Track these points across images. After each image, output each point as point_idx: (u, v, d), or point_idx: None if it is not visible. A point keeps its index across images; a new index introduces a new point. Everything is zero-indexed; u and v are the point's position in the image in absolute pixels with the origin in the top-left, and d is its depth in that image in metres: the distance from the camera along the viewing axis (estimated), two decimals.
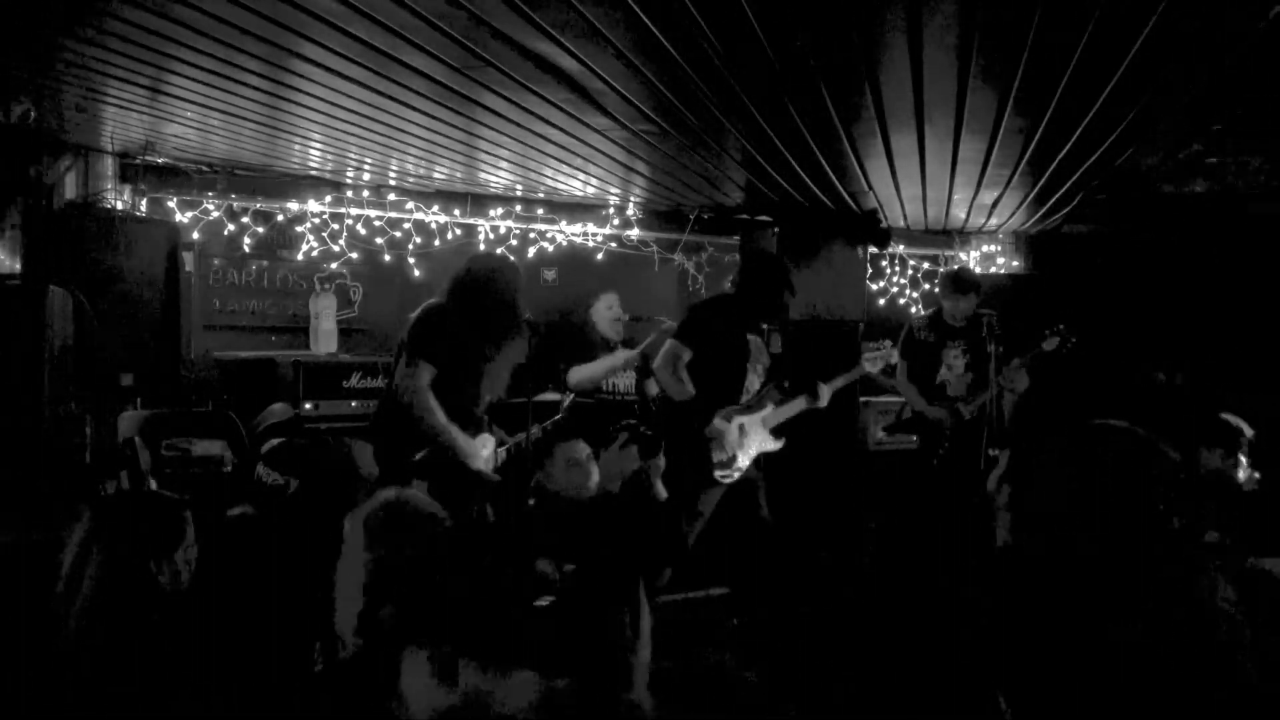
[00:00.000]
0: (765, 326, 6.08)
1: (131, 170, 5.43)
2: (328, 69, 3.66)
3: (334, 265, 6.43)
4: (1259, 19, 3.03)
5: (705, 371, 4.78)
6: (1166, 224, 7.23)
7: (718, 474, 4.80)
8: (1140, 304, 7.34)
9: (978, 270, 7.67)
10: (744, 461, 4.90)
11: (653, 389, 5.66)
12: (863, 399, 6.56)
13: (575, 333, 5.98)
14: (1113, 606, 0.97)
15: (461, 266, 4.40)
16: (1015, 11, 2.91)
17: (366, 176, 6.16)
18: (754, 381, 4.98)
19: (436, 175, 6.02)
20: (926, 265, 8.04)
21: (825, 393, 5.07)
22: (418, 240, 6.44)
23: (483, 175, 6.00)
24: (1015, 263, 7.85)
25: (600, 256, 7.04)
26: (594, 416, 5.73)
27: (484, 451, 4.27)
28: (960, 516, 5.96)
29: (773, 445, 5.01)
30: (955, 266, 7.35)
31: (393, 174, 6.06)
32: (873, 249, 6.79)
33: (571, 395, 5.14)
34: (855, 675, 4.68)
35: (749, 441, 4.90)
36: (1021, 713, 1.04)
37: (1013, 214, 6.89)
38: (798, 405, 5.02)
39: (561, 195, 6.60)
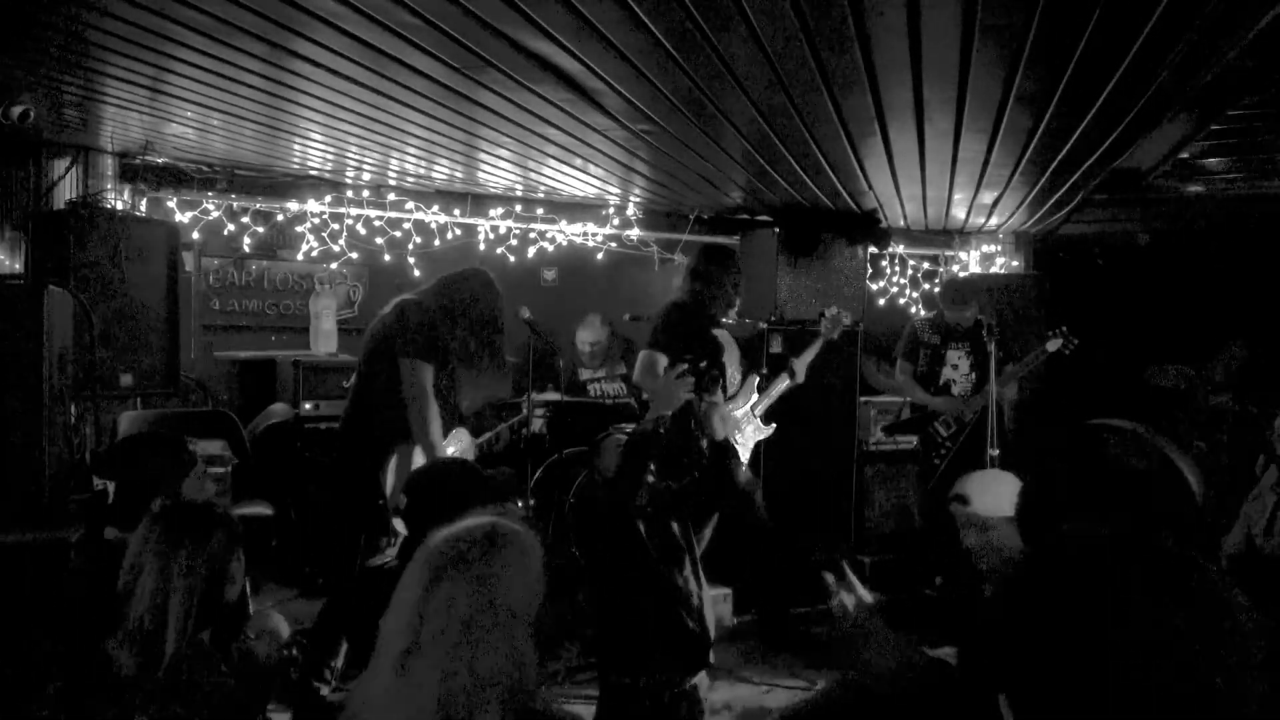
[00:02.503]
0: (763, 326, 6.09)
1: (131, 170, 5.43)
2: (328, 69, 3.66)
3: (334, 265, 6.44)
4: (1259, 18, 3.03)
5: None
6: (1166, 224, 7.24)
7: None
8: (1140, 304, 7.35)
9: (978, 270, 7.68)
10: (745, 455, 4.93)
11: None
12: (863, 399, 6.56)
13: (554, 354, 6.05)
14: (1120, 609, 0.97)
15: (455, 274, 4.46)
16: (1016, 10, 2.91)
17: (366, 176, 6.16)
18: (734, 374, 5.01)
19: (436, 175, 6.02)
20: (926, 265, 8.04)
21: (800, 367, 5.12)
22: (418, 240, 6.44)
23: (483, 175, 6.00)
24: (1015, 263, 7.85)
25: (600, 256, 7.04)
26: (584, 419, 5.77)
27: (451, 448, 4.28)
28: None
29: (766, 432, 5.04)
30: (952, 277, 7.36)
31: (393, 174, 6.06)
32: (873, 249, 6.79)
33: (528, 396, 5.19)
34: (853, 678, 4.67)
35: (745, 433, 4.93)
36: (1024, 715, 1.04)
37: (1013, 214, 6.89)
38: (781, 386, 5.08)
39: (561, 195, 6.60)
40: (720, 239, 7.16)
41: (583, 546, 3.12)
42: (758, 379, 5.08)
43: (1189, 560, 1.01)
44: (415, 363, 4.11)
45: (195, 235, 5.92)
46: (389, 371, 4.17)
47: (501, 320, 4.42)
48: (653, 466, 3.12)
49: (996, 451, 5.14)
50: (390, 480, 4.10)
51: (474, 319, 4.29)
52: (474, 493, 2.78)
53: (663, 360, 4.80)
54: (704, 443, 3.36)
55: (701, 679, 3.23)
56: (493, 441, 4.60)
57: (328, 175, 6.11)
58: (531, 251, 6.87)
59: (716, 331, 5.05)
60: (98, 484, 3.94)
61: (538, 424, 6.03)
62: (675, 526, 3.18)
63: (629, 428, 5.53)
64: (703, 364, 3.48)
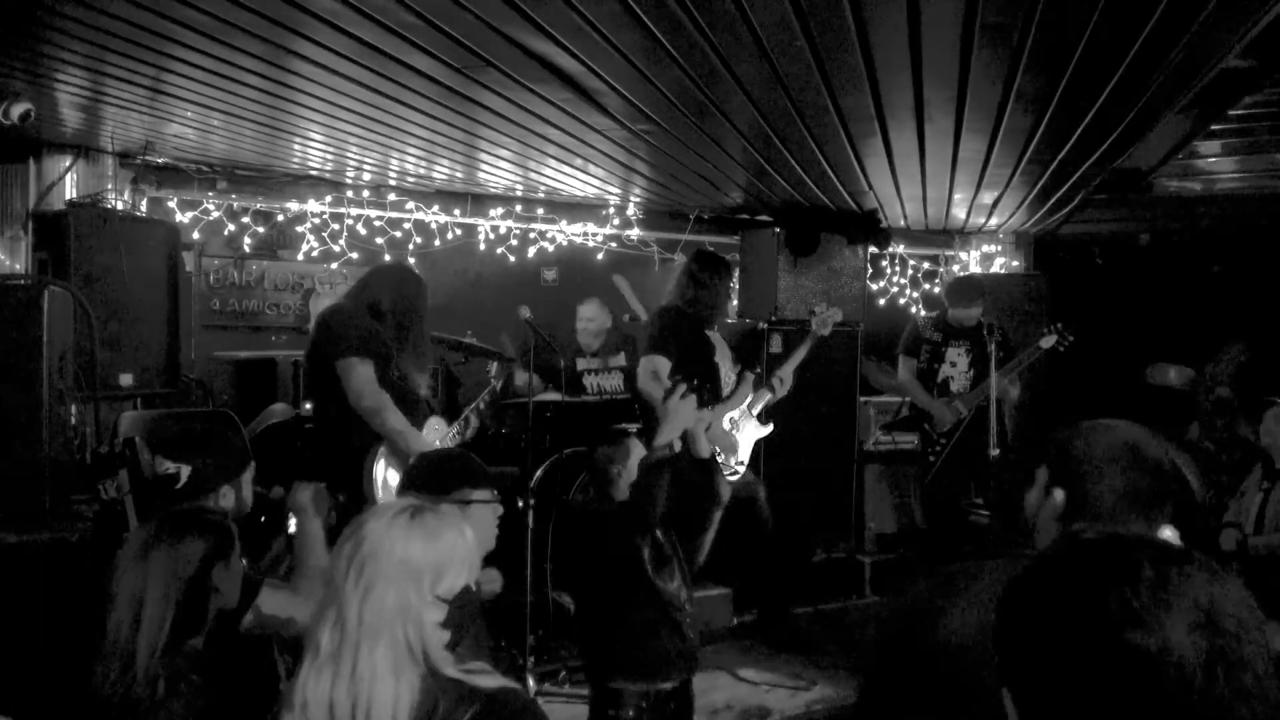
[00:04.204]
0: (763, 326, 6.09)
1: (131, 170, 5.43)
2: (328, 69, 3.66)
3: (334, 265, 6.44)
4: (1259, 18, 3.03)
5: (687, 376, 4.81)
6: (1166, 224, 7.24)
7: (725, 474, 4.82)
8: (1140, 304, 7.35)
9: (978, 270, 7.68)
10: (745, 454, 4.93)
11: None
12: (862, 399, 6.56)
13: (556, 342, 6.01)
14: (1125, 607, 0.97)
15: (369, 272, 4.47)
16: (1016, 10, 2.91)
17: (366, 176, 6.16)
18: (729, 374, 5.02)
19: (436, 175, 6.02)
20: (926, 265, 8.05)
21: (788, 370, 5.12)
22: (418, 240, 6.44)
23: (483, 175, 6.00)
24: (1015, 263, 7.86)
25: (600, 256, 7.04)
26: (584, 417, 5.76)
27: (434, 439, 4.25)
28: (960, 513, 5.97)
29: (764, 431, 5.04)
30: (961, 274, 7.37)
31: (393, 174, 6.06)
32: (873, 249, 6.79)
33: (495, 365, 5.16)
34: (856, 674, 4.68)
35: (744, 433, 4.93)
36: (1028, 712, 1.04)
37: (1013, 214, 6.89)
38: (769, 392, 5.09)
39: (561, 195, 6.60)
40: (720, 239, 7.17)
41: (574, 552, 3.11)
42: (752, 378, 5.09)
43: (1194, 559, 1.01)
44: (348, 361, 3.97)
45: (195, 235, 5.92)
46: (330, 384, 4.04)
47: (422, 307, 4.33)
48: (666, 489, 3.15)
49: (997, 452, 5.14)
50: (379, 484, 4.07)
51: (395, 310, 4.21)
52: (464, 478, 2.79)
53: (665, 364, 4.81)
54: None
55: (694, 680, 3.25)
56: (469, 419, 4.60)
57: (328, 175, 6.11)
58: (531, 251, 6.87)
59: (708, 333, 5.06)
60: (111, 484, 3.92)
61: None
62: (665, 536, 3.21)
63: (634, 428, 5.54)
64: (695, 381, 3.48)
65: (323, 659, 1.71)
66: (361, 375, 3.97)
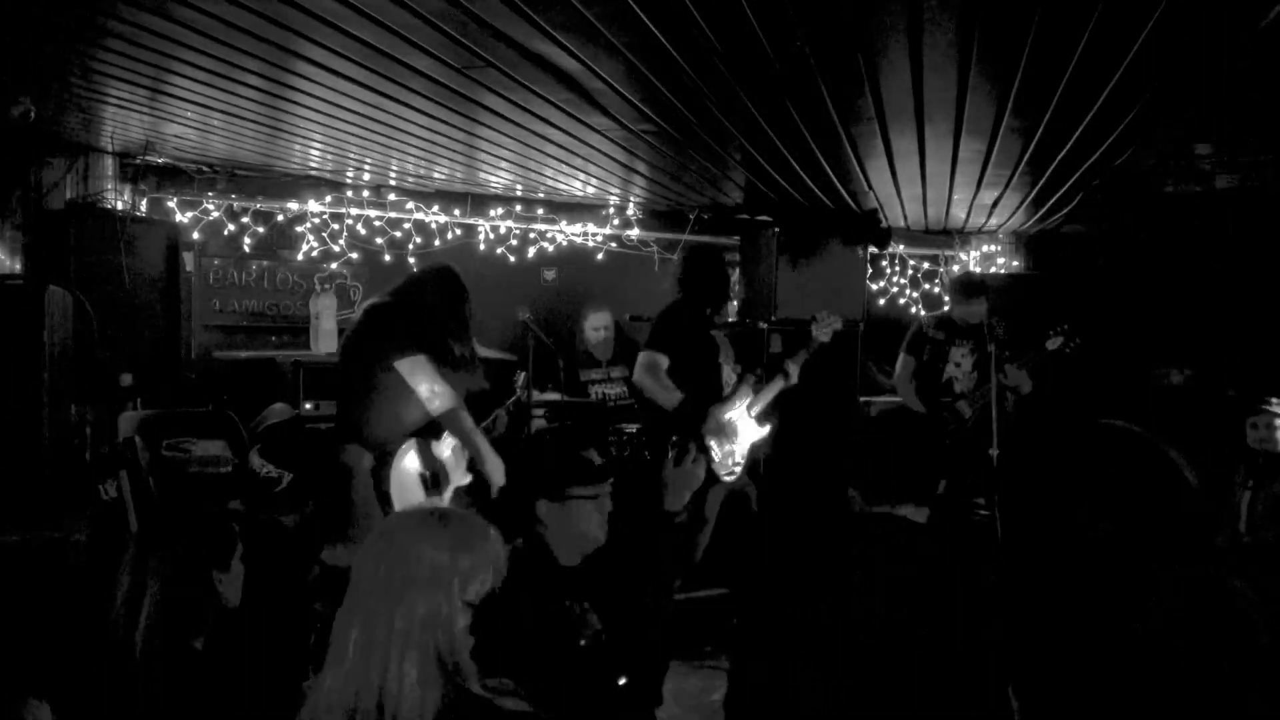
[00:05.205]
0: (763, 326, 6.08)
1: (131, 170, 5.43)
2: (328, 69, 3.66)
3: (334, 265, 6.43)
4: (1260, 18, 3.03)
5: (686, 374, 4.81)
6: (1166, 224, 7.23)
7: (722, 474, 4.81)
8: (1140, 303, 7.34)
9: (978, 270, 7.68)
10: (741, 456, 4.91)
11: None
12: (863, 399, 6.56)
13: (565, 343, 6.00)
14: (1128, 600, 0.97)
15: (419, 273, 4.42)
16: (1015, 11, 2.91)
17: (366, 176, 6.16)
18: (729, 375, 5.01)
19: (436, 175, 6.02)
20: (926, 265, 8.04)
21: (793, 369, 5.09)
22: (418, 240, 6.44)
23: (483, 175, 6.00)
24: (1015, 263, 7.85)
25: (600, 256, 7.04)
26: (586, 421, 5.75)
27: (448, 446, 4.23)
28: (964, 513, 5.96)
29: (761, 433, 5.03)
30: (962, 271, 7.36)
31: (393, 174, 6.06)
32: (873, 249, 6.78)
33: (524, 375, 5.15)
34: (859, 671, 4.67)
35: (741, 434, 4.91)
36: (1031, 708, 1.04)
37: (1013, 214, 6.89)
38: (775, 387, 5.05)
39: (561, 195, 6.60)
40: (720, 239, 7.16)
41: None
42: (753, 379, 5.08)
43: (1194, 557, 1.01)
44: (416, 359, 3.90)
45: (195, 235, 5.92)
46: (364, 377, 3.97)
47: (469, 313, 4.30)
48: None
49: (997, 451, 5.14)
50: (393, 482, 4.06)
51: (445, 315, 4.17)
52: (573, 473, 2.79)
53: (663, 360, 4.80)
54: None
55: (694, 680, 3.25)
56: (490, 428, 4.59)
57: (328, 175, 6.11)
58: (531, 251, 6.87)
59: (713, 332, 5.05)
60: (111, 484, 3.94)
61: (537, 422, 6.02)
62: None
63: (631, 428, 5.53)
64: (701, 441, 3.49)
65: (348, 665, 1.68)
66: (426, 370, 3.89)
